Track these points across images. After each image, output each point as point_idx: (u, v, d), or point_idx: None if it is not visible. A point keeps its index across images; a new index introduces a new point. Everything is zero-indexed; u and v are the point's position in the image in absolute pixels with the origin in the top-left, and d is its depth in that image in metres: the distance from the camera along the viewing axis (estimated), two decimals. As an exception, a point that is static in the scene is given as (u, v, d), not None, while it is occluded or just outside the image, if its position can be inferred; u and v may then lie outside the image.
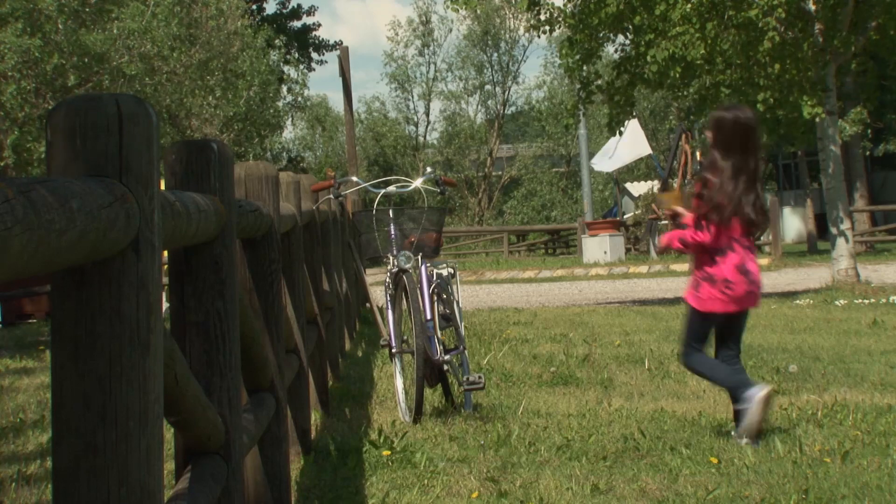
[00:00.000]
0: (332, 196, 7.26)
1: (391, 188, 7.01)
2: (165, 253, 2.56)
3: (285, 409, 4.40)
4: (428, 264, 6.97)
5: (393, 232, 6.97)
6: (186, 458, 2.92)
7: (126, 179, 1.97)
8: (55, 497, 1.93)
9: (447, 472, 5.43)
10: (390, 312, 7.05)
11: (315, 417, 6.73)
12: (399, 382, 7.04)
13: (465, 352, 7.07)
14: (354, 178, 7.35)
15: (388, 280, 7.10)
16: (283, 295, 4.88)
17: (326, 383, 7.47)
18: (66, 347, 1.91)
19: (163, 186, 2.33)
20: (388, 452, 5.73)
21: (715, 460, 5.59)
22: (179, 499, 2.56)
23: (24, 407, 7.72)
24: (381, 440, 5.94)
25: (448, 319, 7.09)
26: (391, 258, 6.97)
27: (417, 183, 7.04)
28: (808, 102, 15.81)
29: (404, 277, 6.84)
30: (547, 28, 17.02)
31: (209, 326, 3.02)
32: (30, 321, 15.91)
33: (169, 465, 3.60)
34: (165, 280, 3.33)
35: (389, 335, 7.08)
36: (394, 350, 7.05)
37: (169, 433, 3.30)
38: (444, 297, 7.02)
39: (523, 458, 5.74)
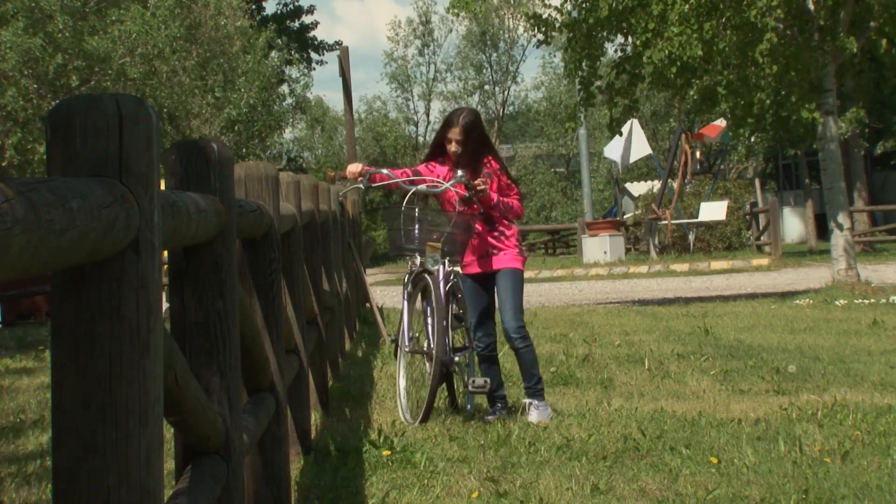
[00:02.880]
0: (361, 186, 6.96)
1: (422, 187, 6.83)
2: (165, 253, 2.56)
3: (285, 409, 4.40)
4: (445, 262, 6.88)
5: (418, 231, 6.85)
6: (186, 458, 2.92)
7: (126, 179, 1.97)
8: (55, 497, 1.93)
9: (447, 472, 5.43)
10: (405, 310, 7.00)
11: (315, 417, 6.72)
12: (402, 382, 6.98)
13: (474, 353, 7.02)
14: (385, 171, 7.00)
15: (407, 278, 7.02)
16: (283, 295, 4.88)
17: (326, 383, 7.47)
18: (66, 347, 1.91)
19: (163, 186, 2.33)
20: (388, 452, 5.73)
21: (715, 460, 5.59)
22: (179, 499, 2.56)
23: (24, 407, 7.71)
24: (381, 440, 5.94)
25: (460, 319, 7.02)
26: (416, 257, 6.87)
27: (448, 185, 6.80)
28: (807, 107, 15.82)
29: (428, 279, 6.75)
30: (544, 34, 17.01)
31: (209, 326, 3.02)
32: (30, 321, 15.91)
33: (169, 465, 3.60)
34: (165, 280, 3.33)
35: (402, 332, 7.00)
36: (406, 349, 6.96)
37: (169, 433, 3.30)
38: (459, 296, 6.95)
39: (523, 458, 5.74)
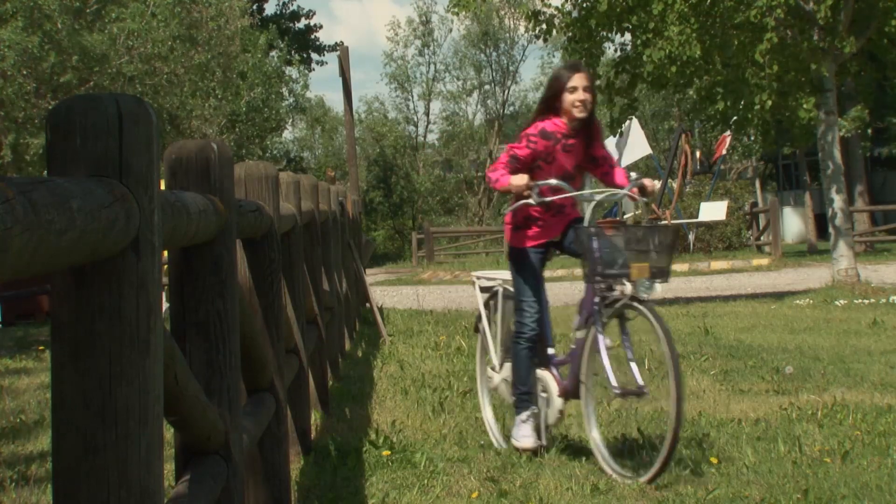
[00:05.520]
0: (531, 201, 5.63)
1: (600, 196, 5.77)
2: (165, 253, 2.56)
3: (285, 409, 4.40)
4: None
5: (624, 252, 5.55)
6: (186, 458, 2.92)
7: (126, 179, 1.97)
8: (55, 497, 1.93)
9: (447, 472, 5.43)
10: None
11: (315, 417, 6.72)
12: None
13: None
14: (554, 181, 5.68)
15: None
16: (283, 295, 4.88)
17: (326, 383, 7.47)
18: (66, 347, 1.91)
19: (163, 186, 2.33)
20: (388, 452, 5.73)
21: (715, 460, 5.59)
22: (179, 499, 2.56)
23: (24, 407, 7.71)
24: (381, 440, 5.94)
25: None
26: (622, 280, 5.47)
27: (625, 192, 5.77)
28: (805, 105, 15.82)
29: (642, 307, 5.36)
30: (545, 28, 17.03)
31: (209, 326, 3.02)
32: (30, 321, 15.91)
33: (169, 465, 3.60)
34: (165, 280, 3.33)
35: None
36: (588, 385, 5.75)
37: (169, 433, 3.30)
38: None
39: (523, 458, 5.74)
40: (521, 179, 5.53)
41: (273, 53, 35.93)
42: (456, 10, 16.93)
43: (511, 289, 5.98)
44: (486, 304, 6.39)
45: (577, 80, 5.61)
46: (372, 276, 23.69)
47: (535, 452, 5.76)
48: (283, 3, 46.80)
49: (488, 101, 54.29)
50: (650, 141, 33.18)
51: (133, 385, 1.94)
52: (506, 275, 6.19)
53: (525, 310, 5.78)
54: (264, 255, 4.27)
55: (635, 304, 5.37)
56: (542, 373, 5.88)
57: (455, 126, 53.76)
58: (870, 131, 33.16)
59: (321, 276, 7.79)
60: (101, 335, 1.92)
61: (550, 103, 5.69)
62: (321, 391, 7.15)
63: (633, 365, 5.45)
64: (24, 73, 22.55)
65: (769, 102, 16.06)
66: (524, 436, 5.79)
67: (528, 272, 5.80)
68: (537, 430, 5.84)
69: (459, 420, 6.79)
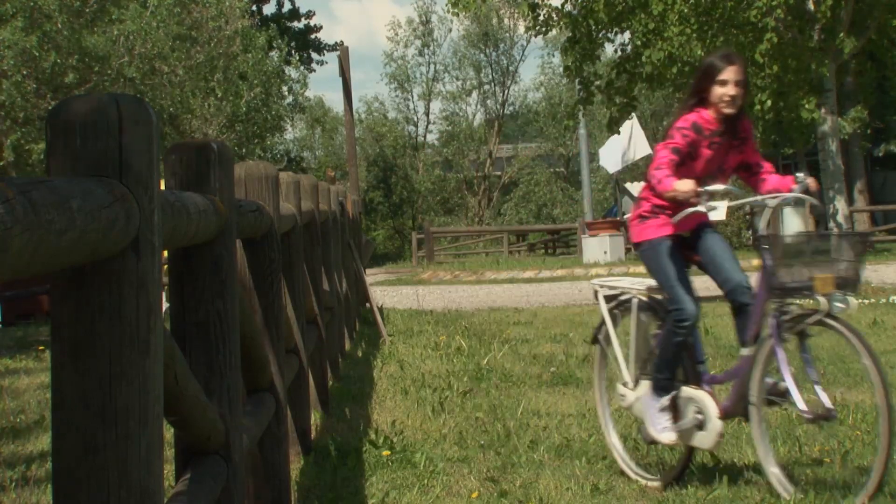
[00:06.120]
0: (702, 208, 5.07)
1: (773, 201, 5.23)
2: (165, 253, 2.56)
3: (285, 409, 4.40)
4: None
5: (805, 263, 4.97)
6: (186, 458, 2.92)
7: (126, 179, 1.97)
8: (55, 497, 1.93)
9: (447, 472, 5.44)
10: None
11: (315, 417, 6.72)
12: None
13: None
14: (722, 187, 5.17)
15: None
16: (283, 295, 4.88)
17: (326, 383, 7.47)
18: (66, 347, 1.91)
19: (163, 186, 2.32)
20: (388, 452, 5.74)
21: (715, 460, 5.59)
22: (179, 499, 2.56)
23: (24, 407, 7.71)
24: (381, 440, 5.94)
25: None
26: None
27: (794, 194, 5.23)
28: (807, 105, 15.84)
29: (838, 324, 4.85)
30: (544, 29, 17.05)
31: (209, 326, 3.02)
32: (30, 321, 15.90)
33: (169, 466, 3.60)
34: (165, 280, 3.33)
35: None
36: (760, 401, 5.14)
37: (169, 433, 3.30)
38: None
39: (523, 458, 5.74)
40: (687, 185, 4.93)
41: (273, 53, 35.94)
42: (455, 9, 16.94)
43: (646, 299, 5.46)
44: (612, 315, 5.75)
45: (730, 72, 5.13)
46: (372, 276, 23.71)
47: (689, 456, 5.29)
48: (280, 2, 46.83)
49: (488, 101, 54.31)
50: (650, 141, 33.17)
51: (133, 385, 1.94)
52: (630, 282, 5.71)
53: (682, 298, 5.17)
54: (264, 255, 4.27)
55: (829, 320, 4.84)
56: (695, 391, 5.24)
57: (455, 126, 53.74)
58: (869, 131, 33.17)
59: (321, 276, 7.78)
60: (101, 335, 1.92)
61: (699, 94, 5.23)
62: (321, 391, 7.15)
63: (819, 387, 4.96)
64: (24, 73, 22.55)
65: (769, 102, 16.07)
66: (664, 427, 5.23)
67: (671, 261, 5.24)
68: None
69: (459, 420, 6.79)
